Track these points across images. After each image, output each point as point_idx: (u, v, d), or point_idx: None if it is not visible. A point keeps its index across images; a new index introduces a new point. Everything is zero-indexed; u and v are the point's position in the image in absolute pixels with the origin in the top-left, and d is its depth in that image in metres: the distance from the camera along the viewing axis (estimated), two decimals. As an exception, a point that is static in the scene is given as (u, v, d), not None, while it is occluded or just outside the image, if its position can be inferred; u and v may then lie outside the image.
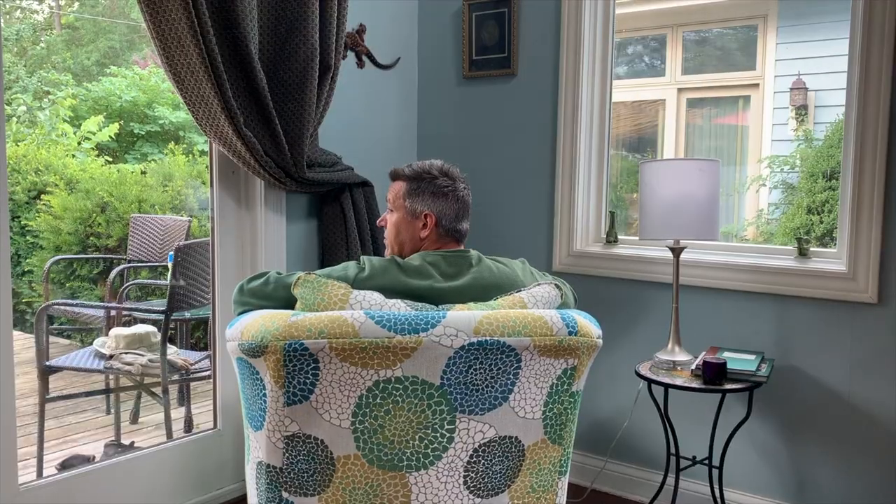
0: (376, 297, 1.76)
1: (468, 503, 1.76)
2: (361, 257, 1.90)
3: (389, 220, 2.05)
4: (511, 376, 1.70)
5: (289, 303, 1.82)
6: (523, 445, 1.78)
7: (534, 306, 1.82)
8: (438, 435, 1.70)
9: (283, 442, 1.66)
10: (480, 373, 1.68)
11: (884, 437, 2.38)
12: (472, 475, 1.75)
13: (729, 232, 5.55)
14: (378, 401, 1.65)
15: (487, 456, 1.75)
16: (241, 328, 1.69)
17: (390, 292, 1.80)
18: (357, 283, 1.80)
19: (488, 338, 1.65)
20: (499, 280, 1.90)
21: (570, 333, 1.71)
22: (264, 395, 1.66)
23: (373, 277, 1.82)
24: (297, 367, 1.61)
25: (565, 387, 1.77)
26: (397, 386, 1.65)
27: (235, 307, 1.90)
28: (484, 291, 1.87)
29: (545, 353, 1.70)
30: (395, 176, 2.07)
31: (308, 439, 1.66)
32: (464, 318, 1.66)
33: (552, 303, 1.89)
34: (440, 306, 1.79)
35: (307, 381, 1.62)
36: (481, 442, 1.73)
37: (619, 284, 2.84)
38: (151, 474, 2.49)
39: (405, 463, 1.70)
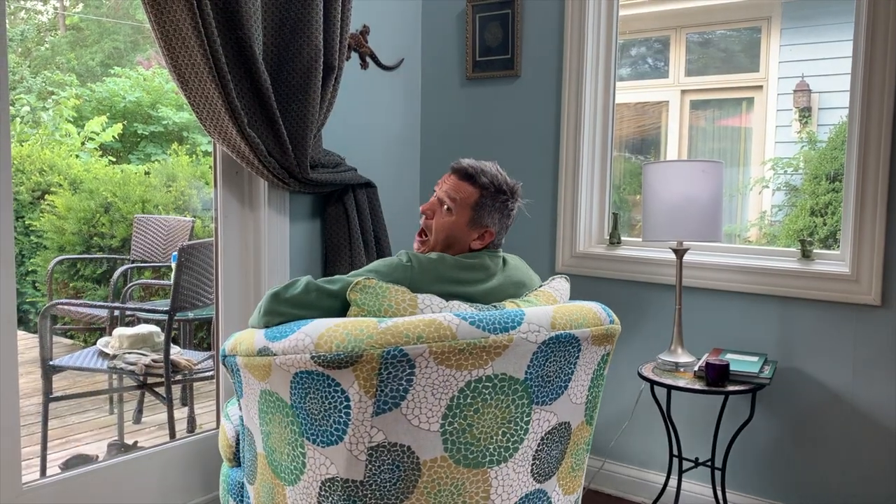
0: (437, 300, 1.77)
1: (531, 489, 1.83)
2: (405, 254, 1.84)
3: (444, 217, 1.94)
4: (572, 366, 1.80)
5: (331, 311, 1.74)
6: (571, 429, 1.87)
7: (560, 299, 1.96)
8: (518, 428, 1.75)
9: (366, 454, 1.61)
10: (553, 364, 1.75)
11: (887, 439, 2.38)
12: (538, 462, 1.83)
13: (732, 233, 5.55)
14: (469, 400, 1.66)
15: (549, 443, 1.83)
16: (311, 340, 1.59)
17: (446, 295, 1.80)
18: (413, 286, 1.78)
19: (563, 331, 1.73)
20: (523, 277, 1.99)
21: (610, 322, 1.85)
22: (346, 406, 1.59)
23: (425, 281, 1.80)
24: (392, 374, 1.57)
25: (601, 371, 1.89)
26: (487, 384, 1.67)
27: (267, 317, 1.76)
28: (516, 288, 1.94)
29: (595, 342, 1.81)
30: (465, 176, 1.94)
31: (394, 447, 1.63)
32: (541, 314, 1.72)
33: (567, 295, 2.02)
34: (491, 304, 1.85)
35: (400, 387, 1.59)
36: (547, 430, 1.81)
37: (621, 286, 2.84)
38: (154, 474, 2.50)
39: (488, 459, 1.73)
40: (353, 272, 1.84)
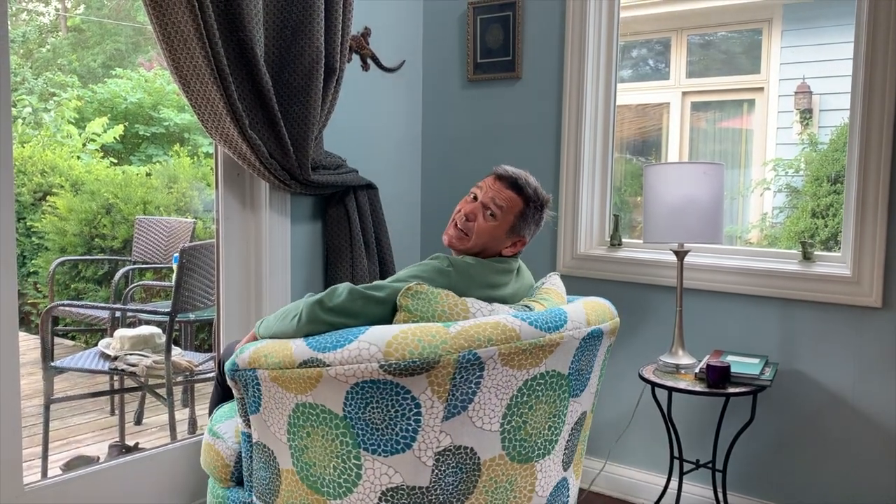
0: (482, 303, 1.82)
1: (560, 478, 1.90)
2: (445, 259, 1.87)
3: (486, 221, 1.96)
4: (594, 358, 1.89)
5: (376, 318, 1.72)
6: (586, 417, 1.96)
7: (564, 296, 2.06)
8: (560, 421, 1.82)
9: (433, 459, 1.62)
10: (585, 358, 1.85)
11: (888, 441, 2.38)
12: (566, 452, 1.90)
13: (733, 235, 5.55)
14: (525, 398, 1.71)
15: (574, 432, 1.91)
16: (378, 348, 1.56)
17: (485, 298, 1.86)
18: (455, 290, 1.81)
19: (595, 326, 1.83)
20: (530, 278, 2.09)
21: (616, 316, 1.97)
22: (416, 414, 1.58)
23: (466, 285, 1.84)
24: (464, 377, 1.59)
25: (606, 361, 1.99)
26: (540, 381, 1.73)
27: (311, 326, 1.71)
28: (528, 289, 2.04)
29: (609, 335, 1.92)
30: (512, 185, 1.98)
31: (458, 450, 1.64)
32: (579, 312, 1.81)
33: (565, 291, 2.14)
34: (522, 304, 1.93)
35: (469, 391, 1.61)
36: (575, 420, 1.89)
37: (622, 288, 2.84)
38: (155, 475, 2.50)
39: (536, 453, 1.78)
40: (392, 278, 1.83)
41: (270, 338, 1.80)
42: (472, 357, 1.57)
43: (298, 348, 1.66)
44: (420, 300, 1.71)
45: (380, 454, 1.62)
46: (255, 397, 1.77)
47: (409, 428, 1.59)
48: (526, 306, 1.89)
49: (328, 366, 1.59)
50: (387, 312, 1.73)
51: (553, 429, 1.81)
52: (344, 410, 1.62)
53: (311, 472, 1.71)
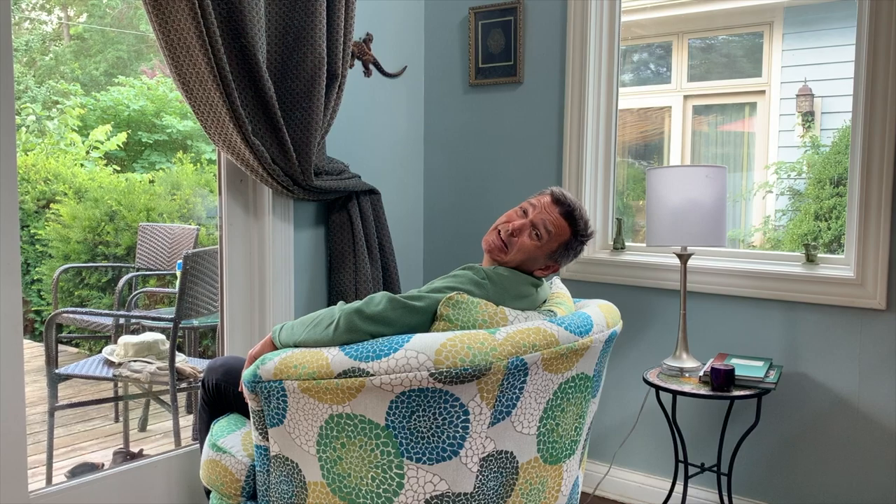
0: (517, 311, 1.83)
1: (575, 475, 1.93)
2: (480, 271, 1.87)
3: (530, 240, 1.95)
4: (606, 359, 1.93)
5: (412, 327, 1.71)
6: (594, 416, 2.04)
7: (571, 299, 2.10)
8: (583, 421, 1.86)
9: (478, 465, 1.62)
10: (602, 360, 1.89)
11: (893, 444, 2.37)
12: (582, 451, 1.93)
13: (736, 238, 5.54)
14: (558, 401, 1.74)
15: (588, 431, 1.97)
16: (427, 357, 1.54)
17: (517, 308, 1.87)
18: (493, 302, 1.81)
19: (612, 329, 1.87)
20: (548, 288, 2.10)
21: (620, 318, 1.99)
22: (464, 421, 1.59)
23: (500, 296, 1.85)
24: (511, 383, 1.61)
25: (606, 363, 2.00)
26: (571, 384, 1.76)
27: (350, 335, 1.68)
28: (545, 296, 2.06)
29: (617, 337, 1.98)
30: (567, 214, 1.96)
31: (500, 455, 1.66)
32: (600, 316, 1.85)
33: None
34: (547, 310, 1.96)
35: (514, 396, 1.63)
36: (591, 420, 1.95)
37: (626, 291, 2.84)
38: (160, 482, 2.50)
39: (564, 454, 1.81)
40: (428, 288, 1.82)
41: (295, 346, 1.76)
42: (519, 363, 1.59)
43: (336, 358, 1.62)
44: (461, 310, 1.71)
45: (425, 462, 1.60)
46: (278, 409, 1.71)
47: (457, 435, 1.59)
48: (551, 311, 1.90)
49: (372, 375, 1.56)
50: (423, 321, 1.72)
51: (578, 429, 1.85)
52: (387, 420, 1.59)
53: (345, 484, 1.67)
